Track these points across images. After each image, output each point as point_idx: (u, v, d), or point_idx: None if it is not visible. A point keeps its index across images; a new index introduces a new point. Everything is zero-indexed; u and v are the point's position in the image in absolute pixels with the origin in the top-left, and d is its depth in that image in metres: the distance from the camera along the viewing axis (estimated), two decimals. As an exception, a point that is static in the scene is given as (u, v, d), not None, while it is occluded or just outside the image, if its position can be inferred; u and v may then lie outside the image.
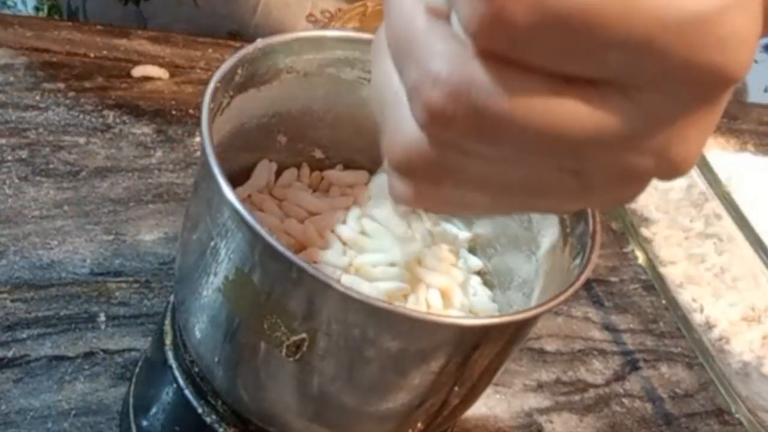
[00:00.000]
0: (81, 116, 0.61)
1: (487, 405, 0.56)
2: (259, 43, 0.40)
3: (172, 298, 0.43)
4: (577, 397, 0.59)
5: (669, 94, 0.26)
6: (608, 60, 0.24)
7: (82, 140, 0.60)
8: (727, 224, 0.61)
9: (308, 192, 0.44)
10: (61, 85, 0.63)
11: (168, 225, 0.57)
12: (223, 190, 0.34)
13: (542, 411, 0.57)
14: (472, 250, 0.45)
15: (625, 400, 0.60)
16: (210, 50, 0.69)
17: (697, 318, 0.65)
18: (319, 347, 0.35)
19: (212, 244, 0.36)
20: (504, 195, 0.29)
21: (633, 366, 0.62)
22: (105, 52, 0.66)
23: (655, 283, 0.68)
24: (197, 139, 0.63)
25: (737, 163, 0.76)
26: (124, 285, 0.54)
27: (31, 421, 0.47)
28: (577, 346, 0.62)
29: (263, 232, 0.34)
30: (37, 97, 0.61)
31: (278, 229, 0.41)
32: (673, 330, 0.66)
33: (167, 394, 0.43)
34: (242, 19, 0.75)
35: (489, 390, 0.45)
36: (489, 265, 0.45)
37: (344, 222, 0.43)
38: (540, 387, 0.58)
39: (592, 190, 0.28)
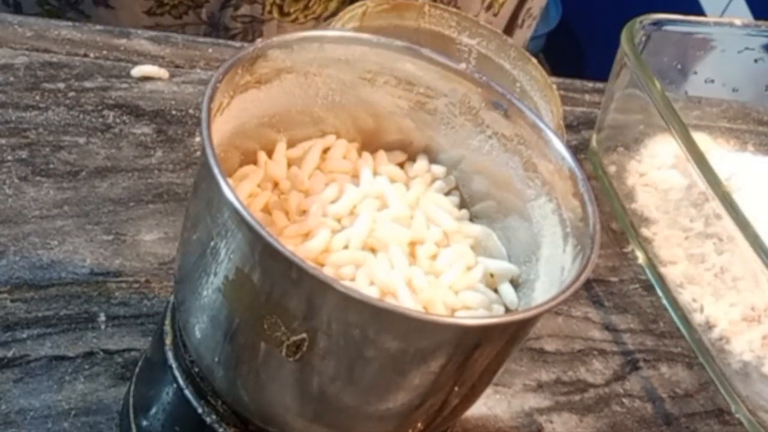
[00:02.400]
0: (81, 116, 0.61)
1: (487, 405, 0.56)
2: (259, 43, 0.40)
3: (172, 298, 0.43)
4: (577, 397, 0.59)
5: None
6: None
7: (82, 140, 0.60)
8: (727, 224, 0.60)
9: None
10: (61, 85, 0.63)
11: (168, 225, 0.57)
12: (223, 190, 0.34)
13: (542, 411, 0.57)
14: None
15: (625, 400, 0.60)
16: (210, 50, 0.69)
17: (697, 318, 0.65)
18: (319, 347, 0.35)
19: (212, 244, 0.36)
20: None
21: (633, 366, 0.62)
22: (105, 52, 0.66)
23: (655, 283, 0.68)
24: (197, 139, 0.63)
25: (737, 163, 0.76)
26: (124, 285, 0.54)
27: (31, 421, 0.47)
28: (577, 346, 0.62)
29: (263, 232, 0.34)
30: (37, 97, 0.61)
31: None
32: (673, 330, 0.66)
33: (167, 394, 0.43)
34: None
35: (489, 390, 0.45)
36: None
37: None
38: (540, 387, 0.58)
39: None
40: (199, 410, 0.42)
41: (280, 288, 0.35)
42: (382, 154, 0.45)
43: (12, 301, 0.51)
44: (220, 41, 0.72)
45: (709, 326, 0.64)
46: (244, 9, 0.76)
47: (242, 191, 0.41)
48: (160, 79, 0.66)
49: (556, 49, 1.88)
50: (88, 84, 0.63)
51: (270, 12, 0.77)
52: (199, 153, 0.61)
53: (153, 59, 0.67)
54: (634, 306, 0.66)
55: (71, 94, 0.62)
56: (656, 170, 0.72)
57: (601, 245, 0.38)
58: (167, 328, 0.44)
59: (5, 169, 0.57)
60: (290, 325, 0.35)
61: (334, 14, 0.78)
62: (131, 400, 0.46)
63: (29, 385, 0.48)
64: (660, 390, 0.62)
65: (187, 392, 0.42)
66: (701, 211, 0.67)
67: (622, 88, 0.70)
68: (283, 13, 0.77)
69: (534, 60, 0.61)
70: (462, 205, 0.46)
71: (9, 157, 0.57)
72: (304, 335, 0.35)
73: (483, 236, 0.44)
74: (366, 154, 0.45)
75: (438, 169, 0.45)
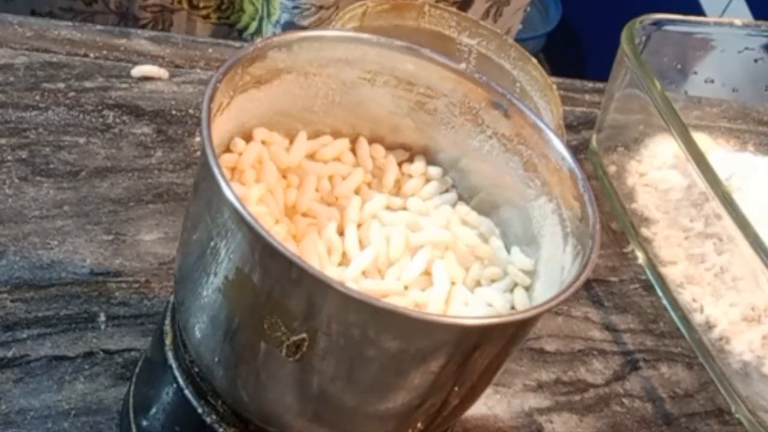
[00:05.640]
0: (81, 116, 0.61)
1: (487, 405, 0.56)
2: (259, 43, 0.40)
3: (172, 298, 0.43)
4: (577, 397, 0.59)
5: None
6: None
7: (82, 140, 0.60)
8: (727, 224, 0.60)
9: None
10: (61, 85, 0.63)
11: (168, 225, 0.57)
12: (223, 190, 0.34)
13: (542, 411, 0.57)
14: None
15: (625, 400, 0.60)
16: (210, 50, 0.69)
17: (697, 318, 0.65)
18: (319, 347, 0.35)
19: (212, 244, 0.36)
20: None
21: (633, 366, 0.62)
22: (105, 52, 0.66)
23: (655, 283, 0.68)
24: (197, 139, 0.63)
25: (737, 163, 0.75)
26: (124, 285, 0.54)
27: (31, 421, 0.47)
28: (577, 346, 0.62)
29: (263, 232, 0.34)
30: (37, 97, 0.61)
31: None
32: (673, 330, 0.66)
33: (167, 394, 0.43)
34: None
35: (489, 390, 0.45)
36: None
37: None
38: (540, 387, 0.58)
39: None
40: (199, 410, 0.42)
41: (280, 288, 0.35)
42: (379, 149, 0.45)
43: (12, 301, 0.51)
44: (220, 41, 0.72)
45: (709, 326, 0.64)
46: None
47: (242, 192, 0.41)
48: (160, 79, 0.66)
49: (556, 49, 1.88)
50: (88, 84, 0.63)
51: (179, 2, 0.78)
52: (199, 153, 0.61)
53: (153, 59, 0.67)
54: (634, 306, 0.66)
55: (71, 94, 0.62)
56: (656, 170, 0.72)
57: (601, 245, 0.38)
58: (167, 328, 0.44)
59: (5, 169, 0.57)
60: (290, 325, 0.35)
61: (246, 29, 0.80)
62: (131, 400, 0.46)
63: (29, 385, 0.48)
64: (660, 390, 0.62)
65: (187, 392, 0.42)
66: (701, 211, 0.67)
67: (622, 88, 0.70)
68: (192, 6, 0.78)
69: (534, 60, 0.61)
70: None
71: (9, 157, 0.57)
72: (304, 335, 0.35)
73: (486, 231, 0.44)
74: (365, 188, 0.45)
75: (434, 171, 0.45)
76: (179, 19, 0.79)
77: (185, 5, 0.78)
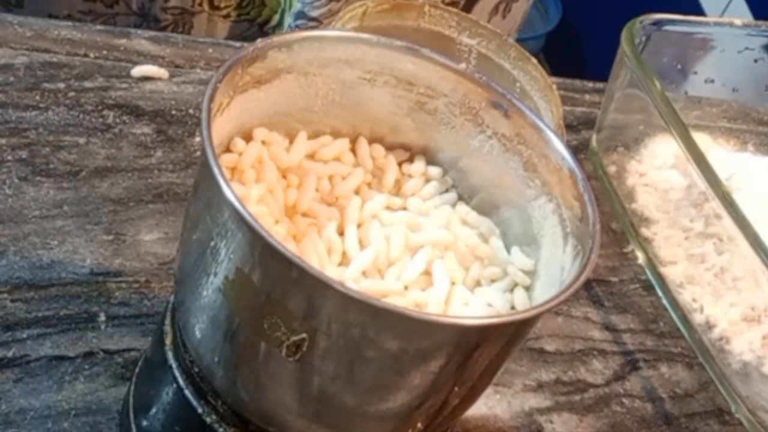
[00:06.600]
0: (81, 116, 0.61)
1: (487, 405, 0.56)
2: (259, 43, 0.40)
3: (172, 298, 0.43)
4: (577, 397, 0.59)
5: None
6: None
7: (82, 140, 0.60)
8: (727, 224, 0.60)
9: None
10: (61, 85, 0.63)
11: (168, 225, 0.57)
12: (223, 190, 0.34)
13: (542, 411, 0.57)
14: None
15: (625, 400, 0.60)
16: (210, 50, 0.69)
17: (697, 318, 0.65)
18: (319, 347, 0.35)
19: (212, 244, 0.36)
20: None
21: (633, 366, 0.62)
22: (105, 52, 0.66)
23: (655, 283, 0.68)
24: (197, 139, 0.63)
25: (737, 163, 0.75)
26: (124, 285, 0.54)
27: (31, 421, 0.47)
28: (577, 346, 0.62)
29: (263, 232, 0.34)
30: (37, 97, 0.61)
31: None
32: (673, 330, 0.66)
33: (167, 394, 0.43)
34: None
35: (489, 390, 0.45)
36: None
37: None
38: (540, 387, 0.58)
39: None
40: (199, 410, 0.42)
41: (280, 288, 0.35)
42: (379, 150, 0.45)
43: (12, 301, 0.51)
44: (221, 41, 0.72)
45: (709, 326, 0.64)
46: (174, 0, 0.77)
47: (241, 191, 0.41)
48: (160, 79, 0.66)
49: (556, 49, 1.88)
50: (88, 84, 0.63)
51: (200, 4, 0.78)
52: (199, 153, 0.61)
53: (153, 59, 0.67)
54: (634, 306, 0.66)
55: (71, 94, 0.62)
56: (656, 170, 0.72)
57: (601, 245, 0.38)
58: (167, 328, 0.44)
59: (5, 169, 0.57)
60: (290, 325, 0.35)
61: (267, 23, 0.80)
62: (131, 400, 0.46)
63: (29, 385, 0.48)
64: (660, 390, 0.62)
65: (187, 392, 0.42)
66: (701, 211, 0.67)
67: (622, 88, 0.70)
68: (213, 6, 0.78)
69: (534, 60, 0.61)
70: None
71: (9, 157, 0.57)
72: (304, 335, 0.35)
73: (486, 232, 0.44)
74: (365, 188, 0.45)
75: (434, 171, 0.45)
76: (200, 21, 0.79)
77: (206, 7, 0.78)
